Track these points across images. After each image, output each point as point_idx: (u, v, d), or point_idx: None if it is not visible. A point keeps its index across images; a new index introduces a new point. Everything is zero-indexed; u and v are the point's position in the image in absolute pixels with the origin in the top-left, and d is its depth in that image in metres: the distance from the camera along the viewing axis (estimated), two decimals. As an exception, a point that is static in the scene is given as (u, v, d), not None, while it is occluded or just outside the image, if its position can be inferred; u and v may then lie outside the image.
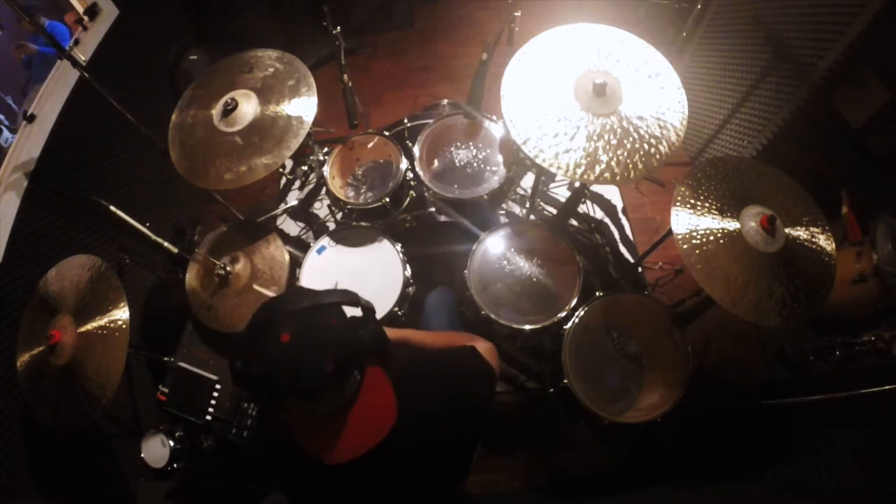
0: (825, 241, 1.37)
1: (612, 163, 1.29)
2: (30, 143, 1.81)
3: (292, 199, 2.64)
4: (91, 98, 1.84)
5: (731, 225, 1.34)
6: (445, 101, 2.28)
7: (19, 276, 1.68)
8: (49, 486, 1.64)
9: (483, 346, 1.06)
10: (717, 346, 2.05)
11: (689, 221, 1.34)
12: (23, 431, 1.61)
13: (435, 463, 0.92)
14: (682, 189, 1.38)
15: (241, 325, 1.68)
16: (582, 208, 2.50)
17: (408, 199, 1.98)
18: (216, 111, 1.60)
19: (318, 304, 0.79)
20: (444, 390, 0.94)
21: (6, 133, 1.87)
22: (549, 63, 1.41)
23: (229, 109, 1.56)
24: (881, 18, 1.57)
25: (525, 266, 1.78)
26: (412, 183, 1.96)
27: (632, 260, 2.41)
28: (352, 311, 0.84)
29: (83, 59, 1.69)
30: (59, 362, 1.41)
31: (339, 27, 1.92)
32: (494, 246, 1.81)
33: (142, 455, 1.88)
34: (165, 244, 1.61)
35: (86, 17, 2.11)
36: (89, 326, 1.43)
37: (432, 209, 1.99)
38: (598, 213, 2.55)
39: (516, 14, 1.75)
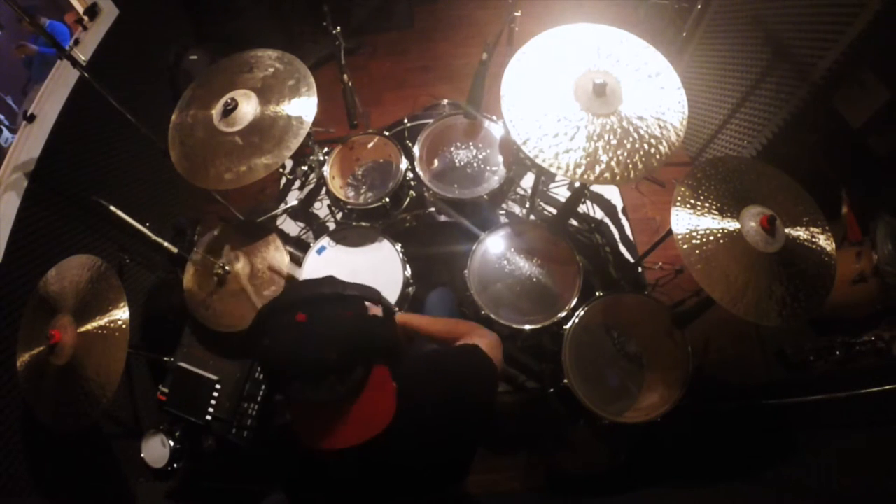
0: (825, 241, 1.37)
1: (612, 163, 1.29)
2: (30, 143, 1.81)
3: (292, 199, 2.64)
4: (91, 98, 1.84)
5: (731, 225, 1.34)
6: (445, 101, 2.28)
7: (19, 276, 1.68)
8: (49, 486, 1.64)
9: (486, 342, 1.06)
10: (717, 346, 2.05)
11: (689, 221, 1.34)
12: (23, 431, 1.61)
13: (435, 463, 0.91)
14: (682, 189, 1.38)
15: (241, 325, 1.68)
16: (582, 208, 2.50)
17: (408, 199, 1.98)
18: (216, 111, 1.60)
19: (341, 294, 0.81)
20: (447, 391, 0.94)
21: (6, 133, 1.88)
22: (549, 63, 1.41)
23: (229, 109, 1.56)
24: (881, 18, 1.57)
25: (525, 266, 1.78)
26: (412, 183, 1.96)
27: (632, 260, 2.41)
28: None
29: (83, 59, 1.69)
30: (59, 362, 1.41)
31: (339, 27, 1.91)
32: (494, 246, 1.81)
33: (142, 455, 1.88)
34: (165, 244, 1.61)
35: (86, 17, 2.11)
36: (89, 326, 1.43)
37: (432, 209, 1.99)
38: (598, 213, 2.54)
39: (516, 14, 1.74)
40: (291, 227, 2.61)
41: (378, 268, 1.79)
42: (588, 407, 1.53)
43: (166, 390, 1.79)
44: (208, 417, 1.74)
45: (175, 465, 1.89)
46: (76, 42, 2.07)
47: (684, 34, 2.26)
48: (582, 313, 1.65)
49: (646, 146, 1.30)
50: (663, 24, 2.81)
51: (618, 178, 1.29)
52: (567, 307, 1.65)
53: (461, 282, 1.72)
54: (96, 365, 1.39)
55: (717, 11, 2.28)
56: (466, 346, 1.04)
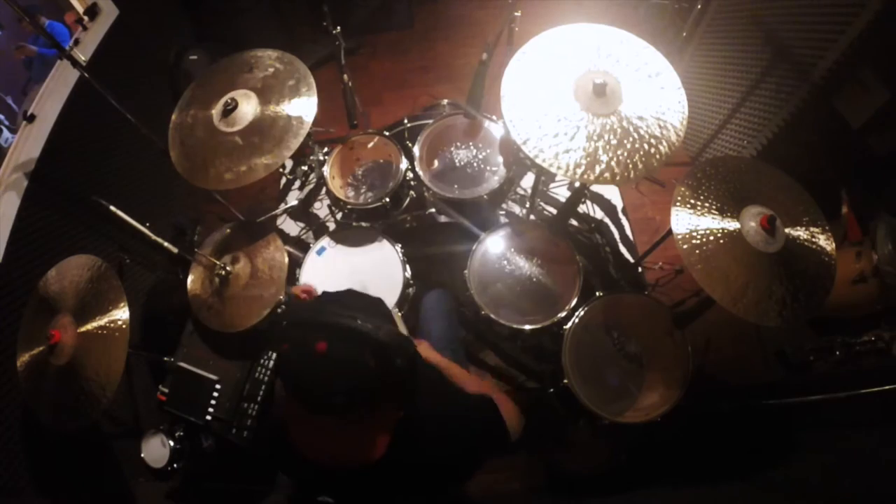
0: (825, 241, 1.37)
1: (612, 163, 1.29)
2: (30, 143, 1.80)
3: (292, 199, 2.64)
4: (91, 98, 1.83)
5: (731, 225, 1.34)
6: (445, 101, 2.28)
7: (19, 276, 1.68)
8: (49, 486, 1.64)
9: (507, 406, 1.03)
10: (717, 346, 2.05)
11: (689, 221, 1.34)
12: (23, 431, 1.61)
13: (420, 489, 0.90)
14: (682, 189, 1.38)
15: (242, 325, 1.67)
16: (582, 208, 2.50)
17: (408, 199, 1.98)
18: (216, 111, 1.60)
19: (373, 338, 0.72)
20: (448, 435, 0.91)
21: (6, 133, 1.87)
22: (549, 63, 1.41)
23: (229, 109, 1.56)
24: (881, 18, 1.57)
25: (525, 266, 1.78)
26: (412, 183, 1.96)
27: (632, 260, 2.41)
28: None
29: (83, 59, 1.69)
30: (59, 362, 1.41)
31: (339, 27, 1.91)
32: (494, 246, 1.81)
33: (142, 455, 1.88)
34: (165, 244, 1.60)
35: (86, 17, 2.11)
36: (89, 326, 1.43)
37: (432, 209, 1.99)
38: (598, 213, 2.55)
39: (516, 14, 1.74)
40: (291, 227, 2.61)
41: (378, 268, 1.80)
42: (588, 407, 1.53)
43: (166, 390, 1.79)
44: (208, 417, 1.74)
45: (175, 465, 1.88)
46: (76, 42, 2.07)
47: (684, 34, 2.25)
48: (582, 313, 1.65)
49: (646, 146, 1.30)
50: (663, 24, 2.80)
51: (618, 178, 1.28)
52: (567, 307, 1.65)
53: (461, 282, 1.72)
54: (96, 365, 1.39)
55: (717, 11, 2.28)
56: (485, 397, 1.01)
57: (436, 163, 1.97)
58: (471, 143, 1.99)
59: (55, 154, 1.86)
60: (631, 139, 1.31)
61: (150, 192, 2.43)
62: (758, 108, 2.15)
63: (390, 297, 1.71)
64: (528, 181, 2.46)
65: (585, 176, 1.28)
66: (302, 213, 2.62)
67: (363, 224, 1.91)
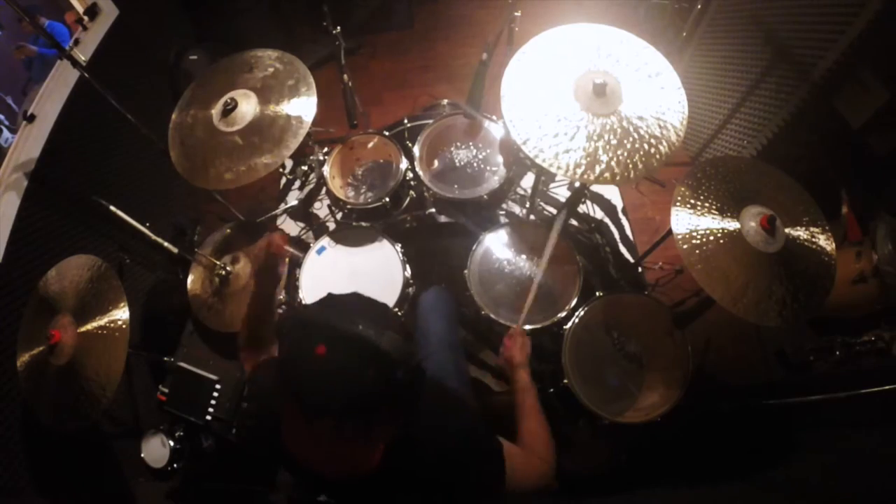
0: (825, 241, 1.37)
1: (612, 163, 1.29)
2: (30, 143, 1.81)
3: (292, 199, 2.64)
4: (91, 98, 1.83)
5: (731, 225, 1.34)
6: (445, 101, 2.28)
7: (19, 276, 1.68)
8: (49, 486, 1.64)
9: (532, 462, 1.08)
10: (717, 346, 2.05)
11: (689, 221, 1.34)
12: (23, 431, 1.61)
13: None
14: (682, 189, 1.38)
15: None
16: (582, 208, 2.50)
17: (408, 199, 1.98)
18: (216, 111, 1.60)
19: (373, 345, 0.69)
20: (443, 468, 0.89)
21: (6, 133, 1.88)
22: (549, 63, 1.41)
23: (229, 109, 1.56)
24: (881, 18, 1.57)
25: (525, 266, 1.78)
26: (412, 183, 1.96)
27: (632, 260, 2.41)
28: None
29: (83, 59, 1.69)
30: (59, 362, 1.41)
31: (339, 27, 1.92)
32: (494, 246, 1.81)
33: (142, 455, 1.88)
34: (165, 244, 1.61)
35: (86, 17, 2.11)
36: (89, 326, 1.43)
37: (432, 209, 1.99)
38: (598, 213, 2.54)
39: (516, 14, 1.74)
40: (291, 227, 2.61)
41: (378, 268, 1.79)
42: (588, 407, 1.53)
43: (166, 390, 1.79)
44: (208, 417, 1.74)
45: (175, 465, 1.89)
46: (76, 42, 2.07)
47: (684, 34, 2.25)
48: (582, 313, 1.65)
49: (646, 146, 1.30)
50: (663, 24, 2.80)
51: (618, 178, 1.28)
52: (567, 307, 1.65)
53: (461, 282, 1.72)
54: (96, 365, 1.39)
55: (717, 11, 2.28)
56: (496, 441, 0.99)
57: (436, 163, 1.97)
58: (471, 143, 1.99)
59: (55, 154, 1.86)
60: (631, 139, 1.31)
61: (150, 192, 2.43)
62: (758, 108, 2.15)
63: (390, 297, 1.71)
64: (528, 181, 2.46)
65: (585, 176, 1.28)
66: (302, 212, 2.62)
67: (363, 224, 1.91)
